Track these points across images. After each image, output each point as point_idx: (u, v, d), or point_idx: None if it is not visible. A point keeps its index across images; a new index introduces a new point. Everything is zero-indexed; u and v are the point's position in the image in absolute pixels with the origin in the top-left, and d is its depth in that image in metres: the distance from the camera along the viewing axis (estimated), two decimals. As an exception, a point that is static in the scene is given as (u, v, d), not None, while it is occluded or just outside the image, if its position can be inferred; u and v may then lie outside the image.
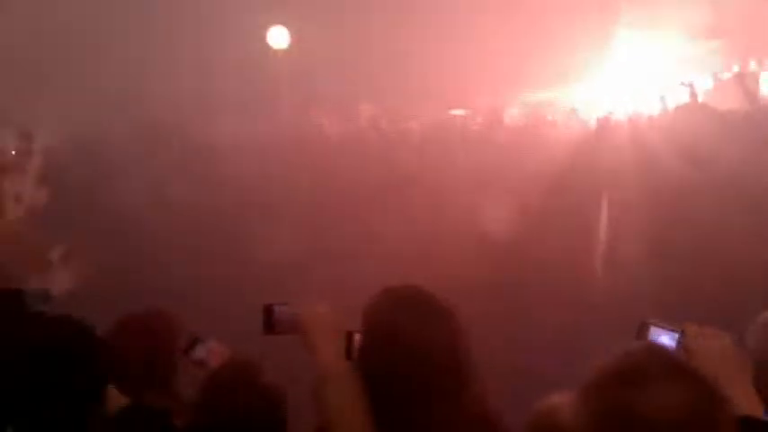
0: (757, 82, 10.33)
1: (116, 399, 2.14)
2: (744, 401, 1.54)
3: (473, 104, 13.14)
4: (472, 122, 11.97)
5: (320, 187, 8.54)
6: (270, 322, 2.00)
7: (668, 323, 1.70)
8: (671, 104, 10.03)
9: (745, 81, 10.09)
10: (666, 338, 1.67)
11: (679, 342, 1.65)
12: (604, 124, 9.34)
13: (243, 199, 8.56)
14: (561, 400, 1.61)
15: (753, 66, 10.92)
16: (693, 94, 9.50)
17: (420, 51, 13.43)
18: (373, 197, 8.28)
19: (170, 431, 2.09)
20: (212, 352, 2.37)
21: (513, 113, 11.55)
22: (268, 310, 2.00)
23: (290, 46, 14.88)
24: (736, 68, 10.97)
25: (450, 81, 13.22)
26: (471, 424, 1.78)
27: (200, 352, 2.37)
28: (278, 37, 14.98)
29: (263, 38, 14.90)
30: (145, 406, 2.15)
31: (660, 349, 1.39)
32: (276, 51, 14.97)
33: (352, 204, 8.17)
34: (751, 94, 9.73)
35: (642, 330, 1.70)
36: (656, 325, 1.69)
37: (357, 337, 1.91)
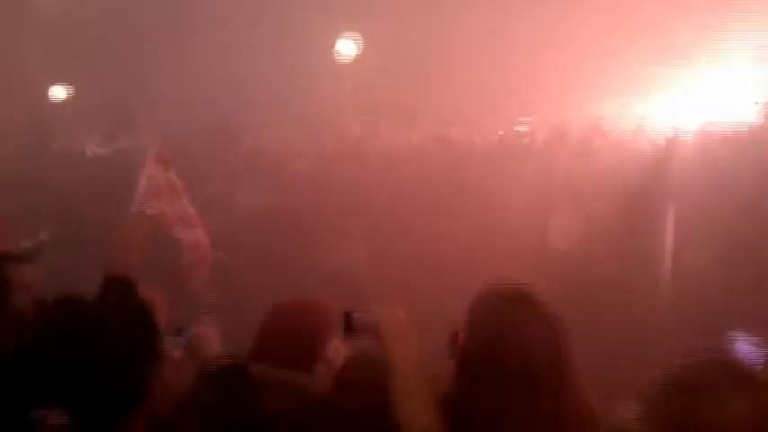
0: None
1: None
2: None
3: (541, 115, 13.04)
4: (539, 134, 11.88)
5: (387, 197, 8.59)
6: (349, 327, 2.10)
7: (754, 336, 1.71)
8: (744, 123, 9.77)
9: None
10: (752, 346, 1.72)
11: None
12: (674, 140, 9.14)
13: (308, 205, 8.70)
14: (627, 410, 1.59)
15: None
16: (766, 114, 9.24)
17: (488, 62, 13.41)
18: (438, 208, 8.32)
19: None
20: (338, 350, 2.43)
21: (582, 125, 11.40)
22: (347, 316, 2.10)
23: (358, 56, 15.03)
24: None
25: (518, 91, 13.14)
26: (572, 424, 1.81)
27: (330, 351, 2.44)
28: (346, 47, 15.13)
29: (332, 47, 15.09)
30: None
31: (724, 359, 1.37)
32: (344, 61, 15.14)
33: (418, 215, 8.22)
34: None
35: (727, 338, 1.68)
36: (741, 336, 1.73)
37: (462, 337, 1.97)
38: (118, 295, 2.08)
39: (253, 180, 9.01)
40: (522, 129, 13.01)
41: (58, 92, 15.11)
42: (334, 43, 15.12)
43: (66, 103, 15.07)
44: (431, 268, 6.92)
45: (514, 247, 7.90)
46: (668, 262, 7.49)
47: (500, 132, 11.99)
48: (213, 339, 2.39)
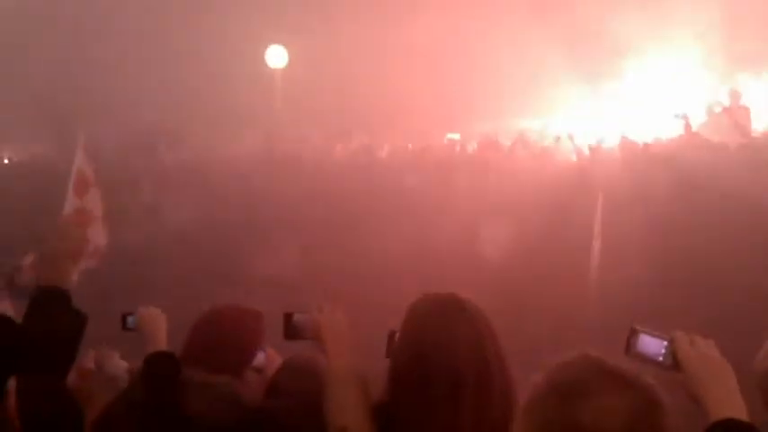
0: (748, 115, 10.49)
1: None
2: (728, 407, 1.54)
3: (467, 129, 13.28)
4: (466, 146, 12.08)
5: (315, 207, 8.55)
6: (290, 328, 2.12)
7: (657, 330, 1.70)
8: (664, 135, 10.19)
9: (735, 114, 10.25)
10: (655, 345, 1.67)
11: (667, 349, 1.65)
12: (597, 151, 9.45)
13: (233, 215, 8.58)
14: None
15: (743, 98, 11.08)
16: (687, 126, 9.65)
17: (413, 74, 13.55)
18: (368, 219, 8.32)
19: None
20: (270, 359, 2.55)
21: (508, 138, 11.66)
22: (288, 317, 2.13)
23: (287, 66, 14.99)
24: (726, 100, 11.13)
25: (444, 105, 13.33)
26: (496, 417, 1.83)
27: (259, 359, 2.55)
28: (276, 56, 15.09)
29: (262, 56, 15.00)
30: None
31: (597, 359, 1.37)
32: (274, 70, 15.08)
33: (347, 225, 8.21)
34: (742, 126, 9.88)
35: (631, 337, 1.71)
36: (644, 332, 1.70)
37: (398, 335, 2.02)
38: (50, 307, 2.04)
39: (180, 190, 8.81)
40: (453, 137, 13.23)
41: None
42: (263, 52, 15.06)
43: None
44: (362, 279, 6.90)
45: (446, 258, 7.99)
46: (594, 272, 7.70)
47: (430, 144, 12.13)
48: (158, 317, 2.43)
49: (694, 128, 9.86)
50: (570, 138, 10.29)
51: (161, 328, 2.38)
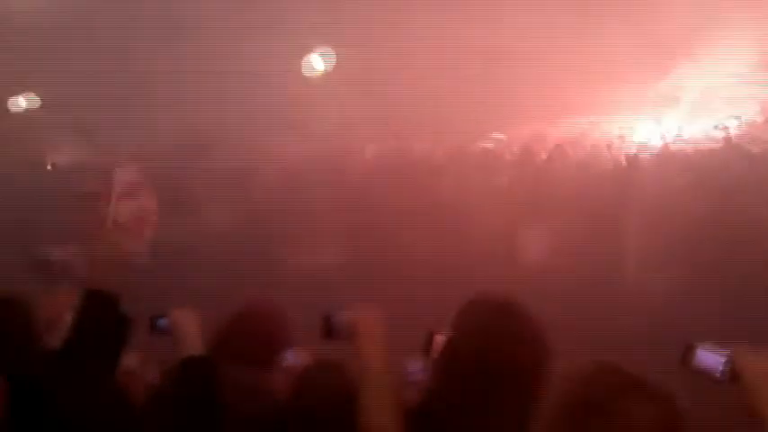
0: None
1: None
2: None
3: (510, 131, 13.19)
4: (509, 149, 12.03)
5: (354, 209, 8.62)
6: (328, 329, 2.11)
7: (716, 346, 1.69)
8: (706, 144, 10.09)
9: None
10: (713, 361, 1.66)
11: (726, 364, 1.64)
12: (635, 159, 9.37)
13: (279, 219, 8.69)
14: None
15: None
16: (728, 137, 9.53)
17: (456, 77, 13.51)
18: (407, 220, 8.37)
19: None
20: (300, 358, 2.59)
21: (551, 141, 11.57)
22: (326, 318, 2.11)
23: (327, 69, 15.01)
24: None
25: (486, 107, 13.25)
26: None
27: (288, 359, 2.59)
28: (315, 61, 15.13)
29: (301, 61, 15.07)
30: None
31: (617, 370, 1.35)
32: (314, 74, 15.13)
33: (387, 227, 8.26)
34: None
35: (688, 353, 1.71)
36: (703, 348, 1.69)
37: (438, 338, 2.04)
38: (97, 309, 2.14)
39: (225, 195, 8.97)
40: (491, 143, 13.16)
41: (18, 101, 14.79)
42: (302, 56, 15.12)
43: (25, 113, 14.76)
44: (402, 281, 6.95)
45: (484, 262, 8.00)
46: (632, 276, 7.65)
47: (472, 145, 12.10)
48: (192, 320, 2.42)
49: (736, 137, 9.72)
50: (609, 146, 10.20)
51: (195, 331, 2.37)
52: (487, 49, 13.20)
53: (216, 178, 9.68)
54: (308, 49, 14.93)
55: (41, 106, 14.62)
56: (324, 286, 7.20)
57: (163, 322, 2.47)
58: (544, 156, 10.63)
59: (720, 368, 1.65)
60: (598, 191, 8.58)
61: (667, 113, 12.10)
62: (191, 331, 2.36)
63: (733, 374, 1.63)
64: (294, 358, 2.60)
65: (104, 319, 2.12)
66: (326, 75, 14.95)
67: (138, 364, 2.82)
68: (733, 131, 9.71)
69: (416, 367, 2.43)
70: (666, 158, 9.69)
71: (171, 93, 13.60)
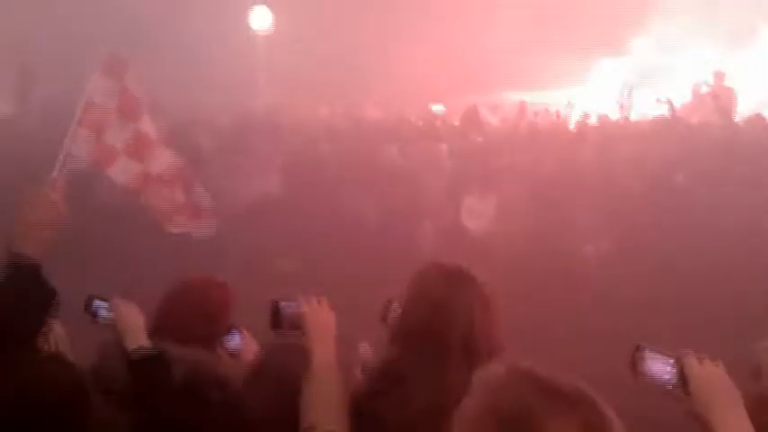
0: (731, 97, 10.54)
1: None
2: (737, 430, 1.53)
3: (452, 102, 13.20)
4: (452, 119, 12.04)
5: (298, 177, 8.47)
6: (276, 319, 2.04)
7: (664, 349, 1.67)
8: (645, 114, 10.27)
9: (719, 97, 10.30)
10: (661, 365, 1.65)
11: (673, 368, 1.63)
12: (581, 127, 9.47)
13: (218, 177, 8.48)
14: None
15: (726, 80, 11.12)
16: (671, 109, 9.70)
17: (402, 46, 13.41)
18: (351, 186, 8.29)
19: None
20: (246, 342, 2.51)
21: (492, 111, 11.62)
22: (274, 305, 2.04)
23: (273, 29, 14.71)
24: (710, 82, 11.18)
25: (430, 77, 13.20)
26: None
27: (234, 341, 2.52)
28: (261, 18, 14.79)
29: (246, 19, 14.72)
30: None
31: (533, 375, 1.25)
32: (258, 33, 14.81)
33: (332, 195, 8.17)
34: (724, 110, 9.93)
35: (637, 354, 1.68)
36: (651, 350, 1.67)
37: (395, 304, 2.09)
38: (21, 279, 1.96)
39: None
40: (437, 110, 13.14)
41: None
42: (247, 13, 14.77)
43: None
44: (344, 246, 6.89)
45: (428, 227, 8.00)
46: (569, 244, 7.77)
47: (414, 115, 12.04)
48: (134, 311, 2.35)
49: (680, 108, 9.91)
50: (556, 116, 10.29)
51: (138, 322, 2.31)
52: (428, 18, 13.14)
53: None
54: (250, 5, 14.61)
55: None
56: (267, 252, 7.10)
57: (99, 305, 2.39)
58: (487, 125, 10.65)
59: (669, 373, 1.63)
60: (544, 160, 8.62)
61: (612, 86, 12.28)
62: (133, 322, 2.30)
63: (682, 381, 1.61)
64: (240, 342, 2.53)
65: (25, 289, 1.95)
66: (270, 33, 14.66)
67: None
68: (675, 105, 9.88)
69: (366, 350, 2.45)
70: (610, 130, 9.81)
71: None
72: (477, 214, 7.65)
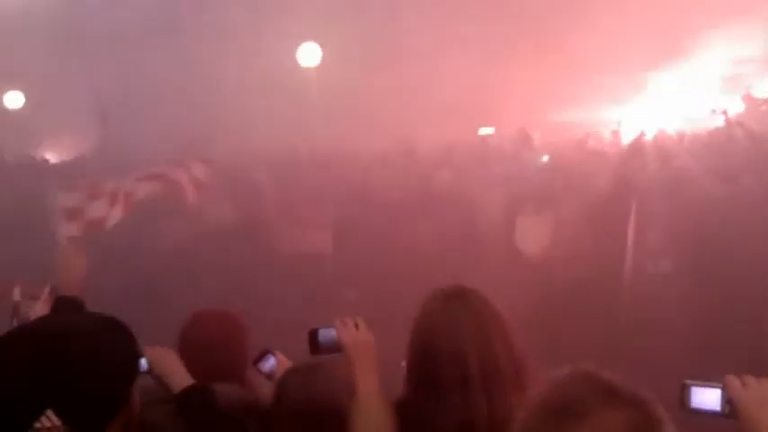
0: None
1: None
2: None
3: (502, 123, 13.17)
4: (501, 141, 12.00)
5: (353, 203, 8.58)
6: (316, 345, 2.09)
7: (708, 381, 1.67)
8: (705, 126, 10.04)
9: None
10: (710, 395, 1.64)
11: (722, 397, 1.62)
12: (637, 145, 9.29)
13: (275, 212, 8.65)
14: None
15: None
16: (727, 119, 9.48)
17: (449, 70, 13.48)
18: (406, 214, 8.34)
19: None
20: (281, 364, 2.52)
21: (546, 131, 11.54)
22: (313, 335, 2.09)
23: (320, 63, 14.97)
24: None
25: (479, 100, 13.21)
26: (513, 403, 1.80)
27: (269, 364, 2.53)
28: (309, 55, 15.04)
29: (294, 55, 15.02)
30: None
31: (592, 375, 1.29)
32: (306, 69, 15.08)
33: (385, 220, 8.23)
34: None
35: (683, 391, 1.67)
36: (696, 385, 1.67)
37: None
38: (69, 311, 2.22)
39: (222, 191, 8.91)
40: (487, 132, 13.11)
41: (14, 99, 14.69)
42: (295, 51, 15.06)
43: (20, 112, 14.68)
44: (401, 273, 6.91)
45: (484, 252, 7.96)
46: (631, 265, 7.61)
47: (464, 139, 12.05)
48: (169, 355, 2.36)
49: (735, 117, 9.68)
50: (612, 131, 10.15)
51: (177, 362, 2.32)
52: (477, 43, 13.19)
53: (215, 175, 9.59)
54: (298, 43, 14.91)
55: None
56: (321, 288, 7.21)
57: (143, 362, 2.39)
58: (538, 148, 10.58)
59: (719, 402, 1.63)
60: (600, 180, 8.48)
61: (662, 101, 12.08)
62: (173, 365, 2.32)
63: (732, 407, 1.60)
64: (275, 365, 2.55)
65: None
66: (318, 69, 14.92)
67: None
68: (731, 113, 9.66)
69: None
70: (668, 142, 9.62)
71: (165, 90, 13.57)
72: (533, 238, 7.58)
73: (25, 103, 14.57)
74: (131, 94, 13.57)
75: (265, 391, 2.45)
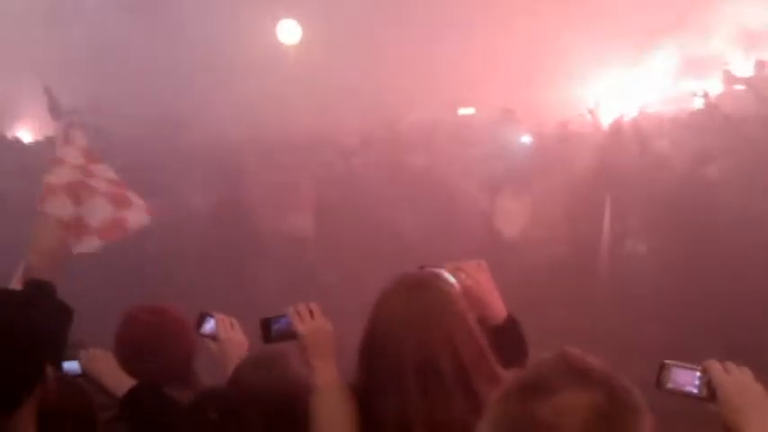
0: (769, 86, 10.29)
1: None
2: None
3: (482, 103, 13.15)
4: (481, 121, 11.98)
5: (332, 184, 8.56)
6: (268, 335, 2.03)
7: (688, 363, 1.68)
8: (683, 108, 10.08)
9: (757, 85, 10.07)
10: (687, 377, 1.66)
11: (701, 380, 1.64)
12: (617, 126, 9.31)
13: (254, 194, 8.61)
14: None
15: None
16: (708, 101, 9.51)
17: (428, 49, 13.43)
18: (387, 195, 8.34)
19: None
20: (221, 322, 2.48)
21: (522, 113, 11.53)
22: (265, 323, 2.03)
23: (301, 42, 14.84)
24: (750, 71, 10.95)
25: (459, 79, 13.18)
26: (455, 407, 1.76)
27: (209, 326, 2.48)
28: (288, 32, 14.91)
29: (274, 33, 14.87)
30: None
31: (572, 357, 1.27)
32: (287, 47, 14.94)
33: (366, 202, 8.22)
34: (763, 98, 9.70)
35: (662, 371, 1.69)
36: (676, 365, 1.68)
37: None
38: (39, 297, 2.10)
39: (203, 172, 8.84)
40: (466, 112, 13.09)
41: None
42: (274, 28, 14.91)
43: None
44: (382, 255, 6.91)
45: (464, 232, 7.99)
46: (607, 247, 7.69)
47: (444, 118, 12.04)
48: (105, 358, 2.34)
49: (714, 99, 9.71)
50: (591, 112, 10.16)
51: (114, 365, 2.29)
52: (451, 21, 13.12)
53: (194, 158, 9.53)
54: (277, 20, 14.77)
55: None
56: (300, 266, 7.19)
57: (69, 366, 2.34)
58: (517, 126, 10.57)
59: (696, 384, 1.65)
60: (579, 161, 8.52)
61: (644, 80, 12.10)
62: (111, 368, 2.28)
63: (709, 390, 1.62)
64: (212, 326, 2.49)
65: (42, 308, 2.07)
66: (299, 46, 14.80)
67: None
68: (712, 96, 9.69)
69: None
70: (643, 124, 9.65)
71: (141, 70, 13.39)
72: (513, 218, 7.61)
73: None
74: (107, 74, 13.36)
75: (214, 351, 2.42)
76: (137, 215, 3.16)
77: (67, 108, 11.79)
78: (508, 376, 1.36)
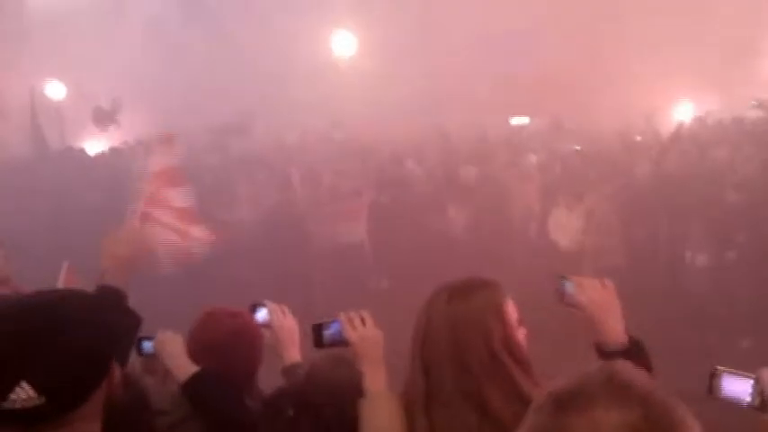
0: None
1: None
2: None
3: (534, 113, 13.08)
4: (535, 131, 11.92)
5: (387, 192, 8.58)
6: (320, 340, 2.06)
7: (740, 370, 1.64)
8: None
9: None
10: (740, 386, 1.61)
11: (755, 388, 1.59)
12: (675, 135, 9.10)
13: (312, 199, 8.72)
14: None
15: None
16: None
17: (483, 59, 13.41)
18: (440, 203, 8.35)
19: None
20: (273, 311, 2.51)
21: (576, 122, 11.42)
22: (317, 329, 2.06)
23: (355, 52, 14.99)
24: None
25: (512, 91, 13.12)
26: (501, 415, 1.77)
27: (261, 315, 2.52)
28: (343, 43, 15.06)
29: (330, 44, 15.06)
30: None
31: (614, 371, 1.21)
32: (342, 58, 15.11)
33: (419, 210, 8.25)
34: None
35: (714, 378, 1.66)
36: (728, 372, 1.64)
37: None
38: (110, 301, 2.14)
39: (260, 178, 9.01)
40: (520, 122, 13.01)
41: (57, 89, 14.98)
42: (329, 40, 15.09)
43: (63, 101, 14.95)
44: (434, 262, 6.91)
45: (516, 241, 7.95)
46: (665, 257, 7.51)
47: (496, 129, 11.99)
48: (177, 341, 2.37)
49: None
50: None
51: (182, 350, 2.31)
52: (503, 33, 13.08)
53: (251, 163, 9.71)
54: (332, 33, 14.94)
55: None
56: (353, 271, 7.20)
57: (147, 345, 2.42)
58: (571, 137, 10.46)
59: (750, 393, 1.60)
60: (635, 170, 8.34)
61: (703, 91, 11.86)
62: (178, 352, 2.32)
63: (763, 400, 1.57)
64: (264, 315, 2.52)
65: (115, 310, 2.11)
66: (353, 58, 14.94)
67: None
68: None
69: None
70: (704, 136, 9.43)
71: (201, 78, 13.72)
72: (566, 228, 7.52)
73: (67, 93, 14.90)
74: (170, 82, 13.74)
75: (268, 339, 2.47)
76: (196, 246, 3.33)
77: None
78: (548, 385, 1.32)
